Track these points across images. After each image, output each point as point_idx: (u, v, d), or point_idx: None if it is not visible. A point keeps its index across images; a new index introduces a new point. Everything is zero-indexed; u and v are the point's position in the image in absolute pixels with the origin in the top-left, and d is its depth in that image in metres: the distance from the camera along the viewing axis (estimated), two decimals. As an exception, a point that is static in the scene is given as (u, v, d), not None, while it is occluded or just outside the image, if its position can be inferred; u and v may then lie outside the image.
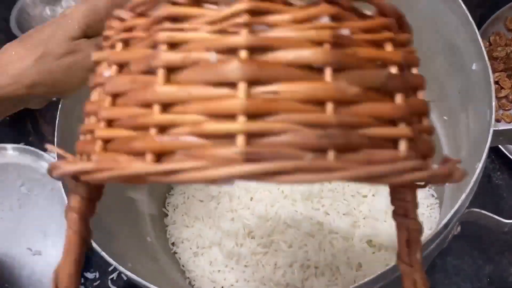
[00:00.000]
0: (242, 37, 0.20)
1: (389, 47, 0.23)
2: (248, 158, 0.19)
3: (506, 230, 0.43)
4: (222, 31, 0.21)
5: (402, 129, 0.22)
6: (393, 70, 0.22)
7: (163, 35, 0.22)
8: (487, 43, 0.71)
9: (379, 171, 0.20)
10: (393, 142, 0.22)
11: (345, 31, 0.22)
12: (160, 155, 0.21)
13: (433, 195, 0.56)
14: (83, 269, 0.61)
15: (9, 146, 0.65)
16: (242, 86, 0.20)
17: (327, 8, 0.21)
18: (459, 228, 0.41)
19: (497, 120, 0.68)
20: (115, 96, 0.23)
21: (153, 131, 0.21)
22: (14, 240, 0.61)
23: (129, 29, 0.24)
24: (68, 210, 0.24)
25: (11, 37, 0.68)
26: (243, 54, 0.20)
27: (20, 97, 0.35)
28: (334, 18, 0.22)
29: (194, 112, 0.21)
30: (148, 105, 0.21)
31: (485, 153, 0.38)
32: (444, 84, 0.51)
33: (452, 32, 0.46)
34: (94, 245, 0.40)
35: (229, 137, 0.20)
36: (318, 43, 0.21)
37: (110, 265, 0.41)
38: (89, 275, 0.61)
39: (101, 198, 0.25)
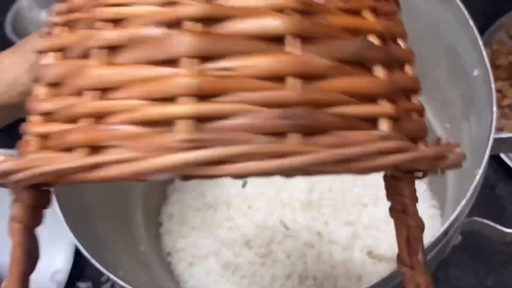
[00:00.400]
0: (192, 7, 0.18)
1: (368, 16, 0.20)
2: (191, 146, 0.17)
3: (508, 240, 0.42)
4: (172, 3, 0.18)
5: (382, 106, 0.19)
6: (373, 40, 0.20)
7: (100, 12, 0.19)
8: (489, 51, 0.70)
9: (351, 154, 0.17)
10: (373, 123, 0.19)
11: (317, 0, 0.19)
12: (95, 149, 0.18)
13: (434, 206, 0.55)
14: (76, 279, 0.60)
15: (1, 151, 0.64)
16: (188, 62, 0.17)
17: None
18: (459, 238, 0.41)
19: (500, 129, 0.67)
20: (51, 85, 0.20)
21: (85, 121, 0.18)
22: (4, 248, 0.59)
23: (73, 11, 0.21)
24: (10, 220, 0.22)
25: (6, 40, 0.67)
26: (192, 25, 0.18)
27: (15, 105, 0.35)
28: None
29: (134, 96, 0.18)
30: (82, 92, 0.19)
31: (485, 159, 0.38)
32: (446, 90, 0.50)
33: (453, 37, 0.46)
34: (85, 252, 0.40)
35: (171, 123, 0.17)
36: (284, 11, 0.18)
37: (103, 274, 0.40)
38: (82, 285, 0.60)
39: (49, 206, 0.22)
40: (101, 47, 0.19)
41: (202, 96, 0.17)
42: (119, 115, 0.18)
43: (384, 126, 0.19)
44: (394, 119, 0.19)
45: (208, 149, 0.16)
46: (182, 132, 0.17)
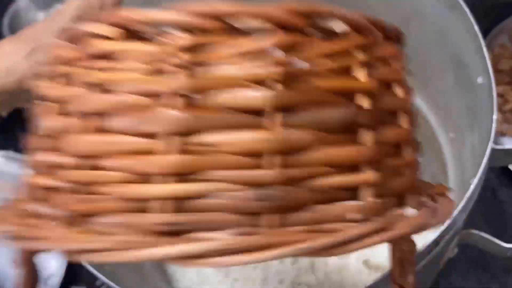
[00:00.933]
0: (175, 80, 0.18)
1: (360, 73, 0.20)
2: (167, 230, 0.17)
3: (509, 255, 0.41)
4: (157, 72, 0.19)
5: (364, 175, 0.19)
6: (364, 101, 0.20)
7: (88, 74, 0.20)
8: (491, 55, 0.69)
9: (323, 244, 0.17)
10: (354, 191, 0.19)
11: (302, 63, 0.19)
12: (72, 221, 0.19)
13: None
14: (70, 284, 0.59)
15: (-1, 152, 0.63)
16: (168, 138, 0.18)
17: (280, 38, 0.19)
18: (455, 250, 0.39)
19: (502, 134, 0.66)
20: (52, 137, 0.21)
21: (67, 187, 0.19)
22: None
23: (68, 62, 0.21)
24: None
25: (3, 41, 0.66)
26: (173, 99, 0.18)
27: (11, 92, 0.35)
28: (289, 48, 0.19)
29: (116, 168, 0.18)
30: (65, 155, 0.20)
31: (481, 170, 0.36)
32: (451, 99, 0.49)
33: (459, 44, 0.45)
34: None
35: (148, 203, 0.18)
36: (266, 82, 0.18)
37: (97, 279, 0.39)
38: (77, 289, 0.59)
39: None
40: (87, 113, 0.19)
41: (180, 174, 0.18)
42: (101, 186, 0.18)
43: (365, 195, 0.19)
44: (376, 185, 0.20)
45: (182, 244, 0.17)
46: (158, 214, 0.17)
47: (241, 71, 0.18)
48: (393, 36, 0.23)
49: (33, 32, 0.36)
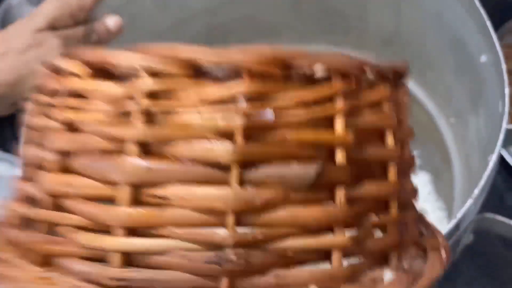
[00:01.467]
0: (133, 130, 0.18)
1: (337, 123, 0.19)
2: (119, 284, 0.17)
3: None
4: (120, 115, 0.18)
5: (333, 238, 0.18)
6: (338, 155, 0.18)
7: (60, 112, 0.19)
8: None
9: None
10: (325, 253, 0.18)
11: (269, 114, 0.18)
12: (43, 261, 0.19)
13: (440, 208, 0.52)
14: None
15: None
16: (126, 190, 0.17)
17: (247, 87, 0.17)
18: (471, 237, 0.37)
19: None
20: None
21: (36, 224, 0.19)
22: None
23: (49, 93, 0.21)
24: None
25: (-5, 39, 0.65)
26: (134, 148, 0.17)
27: None
28: (256, 97, 0.18)
29: (75, 212, 0.18)
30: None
31: (499, 144, 0.35)
32: (451, 83, 0.47)
33: (458, 24, 0.43)
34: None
35: (104, 255, 0.17)
36: (228, 135, 0.17)
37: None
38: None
39: None
40: (55, 149, 0.19)
41: (134, 227, 0.17)
42: (62, 228, 0.18)
43: (335, 258, 0.18)
44: (349, 247, 0.18)
45: None
46: (111, 268, 0.17)
47: (201, 121, 0.17)
48: (391, 77, 0.21)
49: (6, 34, 0.35)
